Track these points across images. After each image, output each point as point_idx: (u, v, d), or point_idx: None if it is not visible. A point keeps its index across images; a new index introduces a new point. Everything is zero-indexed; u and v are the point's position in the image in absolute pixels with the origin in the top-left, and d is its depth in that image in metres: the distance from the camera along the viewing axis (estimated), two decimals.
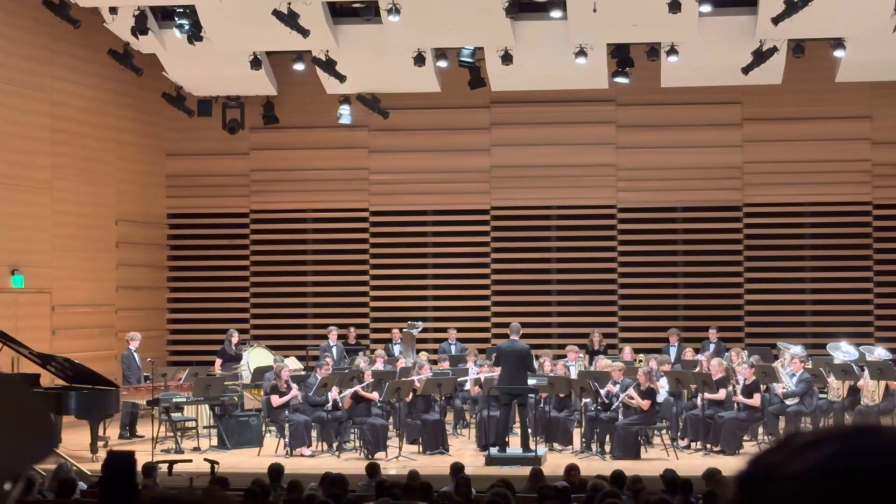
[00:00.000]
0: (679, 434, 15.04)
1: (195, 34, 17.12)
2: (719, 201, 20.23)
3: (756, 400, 14.53)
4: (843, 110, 19.84)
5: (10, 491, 1.45)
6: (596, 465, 12.89)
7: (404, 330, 18.50)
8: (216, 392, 15.38)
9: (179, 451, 14.62)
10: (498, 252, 20.63)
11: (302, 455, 14.47)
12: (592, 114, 20.29)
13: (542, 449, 14.15)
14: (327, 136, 20.58)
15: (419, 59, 17.96)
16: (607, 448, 14.39)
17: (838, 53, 17.81)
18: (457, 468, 10.52)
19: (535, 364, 15.70)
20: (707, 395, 14.61)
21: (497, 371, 14.77)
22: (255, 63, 18.50)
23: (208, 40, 17.34)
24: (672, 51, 17.55)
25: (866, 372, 15.49)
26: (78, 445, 14.36)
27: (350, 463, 13.65)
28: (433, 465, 13.02)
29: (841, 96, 19.60)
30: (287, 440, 14.65)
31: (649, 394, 14.35)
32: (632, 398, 14.32)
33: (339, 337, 18.60)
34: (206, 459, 11.46)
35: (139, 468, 9.32)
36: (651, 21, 16.44)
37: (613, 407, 14.49)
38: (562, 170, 20.33)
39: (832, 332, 18.52)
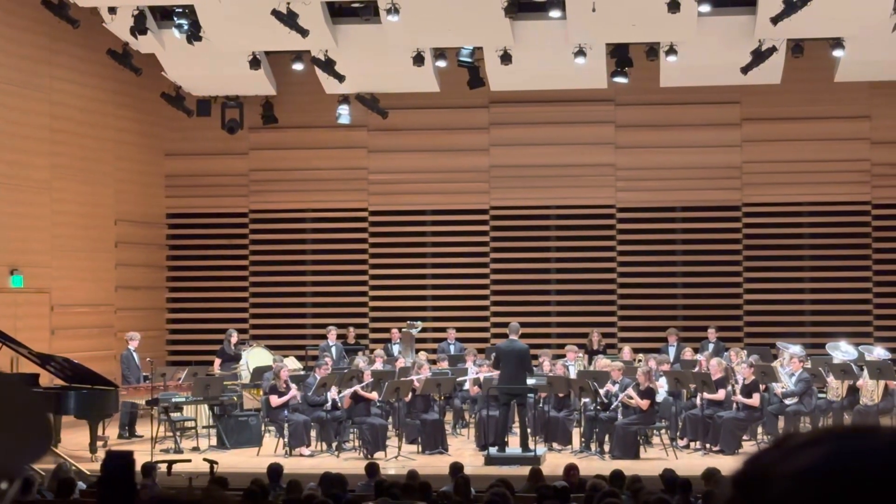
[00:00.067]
0: (678, 434, 15.04)
1: (194, 34, 17.11)
2: (718, 201, 20.23)
3: (755, 400, 14.54)
4: (842, 110, 19.85)
5: (6, 491, 1.45)
6: (595, 465, 12.89)
7: (403, 330, 18.50)
8: (215, 392, 15.38)
9: (178, 450, 14.62)
10: (497, 252, 20.63)
11: (301, 455, 14.47)
12: (591, 114, 20.29)
13: (541, 449, 14.15)
14: (326, 135, 20.58)
15: (418, 59, 17.96)
16: (606, 448, 14.40)
17: (837, 53, 17.82)
18: (456, 468, 10.53)
19: (534, 364, 15.71)
20: (706, 395, 14.62)
21: (496, 371, 14.78)
22: (254, 63, 18.50)
23: (207, 40, 17.35)
24: (671, 51, 17.55)
25: (865, 371, 15.49)
26: (77, 445, 14.36)
27: (349, 463, 13.65)
28: (432, 465, 13.02)
29: (840, 96, 19.61)
30: (286, 440, 14.65)
31: (648, 393, 14.36)
32: (631, 398, 14.33)
33: (339, 337, 18.60)
34: (205, 459, 11.47)
35: (138, 468, 9.33)
36: (650, 21, 16.44)
37: (612, 407, 14.49)
38: (561, 169, 20.33)
39: (831, 332, 18.52)
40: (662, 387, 15.23)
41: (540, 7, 16.83)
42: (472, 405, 16.20)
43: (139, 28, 17.16)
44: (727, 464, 12.03)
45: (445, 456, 14.02)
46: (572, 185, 20.36)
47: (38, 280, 17.56)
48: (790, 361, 15.64)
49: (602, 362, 15.97)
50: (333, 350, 17.82)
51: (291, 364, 17.24)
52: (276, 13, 16.10)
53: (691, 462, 13.38)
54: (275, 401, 14.75)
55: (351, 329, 19.58)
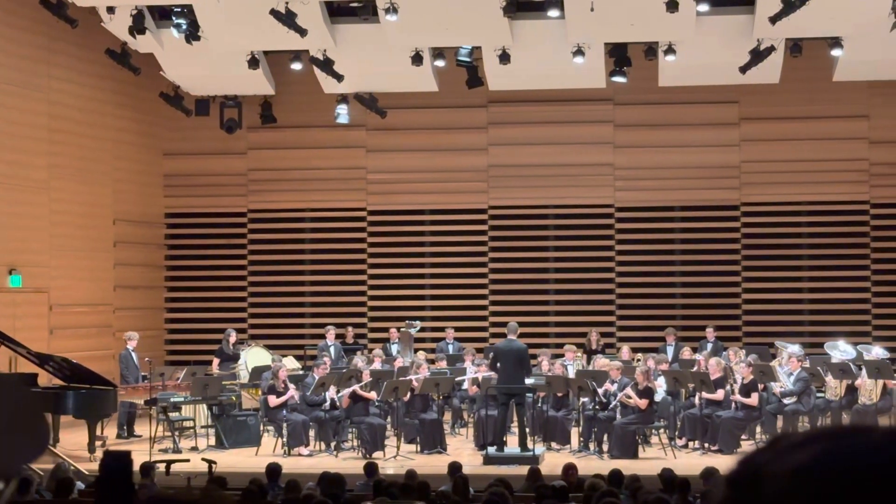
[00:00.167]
0: (677, 433, 15.04)
1: (193, 34, 17.11)
2: (717, 200, 20.24)
3: (754, 399, 14.54)
4: (841, 109, 19.85)
5: (2, 491, 1.45)
6: (594, 465, 12.90)
7: (402, 329, 18.50)
8: (214, 392, 15.39)
9: (177, 450, 14.62)
10: (496, 251, 20.63)
11: (300, 454, 14.47)
12: (590, 113, 20.30)
13: (539, 448, 14.15)
14: (325, 135, 20.57)
15: (417, 59, 17.96)
16: (605, 447, 14.40)
17: (836, 53, 17.82)
18: (454, 467, 10.53)
19: (532, 363, 15.71)
20: (705, 395, 14.62)
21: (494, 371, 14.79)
22: (253, 62, 18.50)
23: (206, 40, 17.35)
24: (670, 50, 17.56)
25: (864, 371, 15.50)
26: (75, 445, 14.37)
27: (348, 462, 13.66)
28: (431, 465, 13.02)
29: (838, 95, 19.61)
30: (285, 440, 14.65)
31: (647, 393, 14.36)
32: (629, 397, 14.33)
33: (337, 336, 18.61)
34: (203, 459, 11.46)
35: (136, 468, 9.33)
36: (648, 20, 16.44)
37: (611, 406, 14.49)
38: (559, 169, 20.33)
39: (830, 332, 18.52)
40: (661, 386, 15.23)
41: (538, 6, 16.84)
42: (471, 405, 16.20)
43: (138, 28, 17.16)
44: (726, 463, 11.97)
45: (444, 455, 14.03)
46: (571, 184, 20.37)
47: (36, 280, 17.56)
48: (789, 361, 15.64)
49: (601, 362, 15.97)
50: (332, 350, 17.82)
51: (290, 364, 17.24)
52: (274, 13, 16.10)
53: (690, 461, 13.39)
54: (273, 400, 14.75)
55: (349, 329, 19.58)
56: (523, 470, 11.13)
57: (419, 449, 14.68)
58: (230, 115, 20.37)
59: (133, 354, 16.42)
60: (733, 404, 14.65)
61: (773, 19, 15.86)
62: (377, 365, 16.31)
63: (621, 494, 8.74)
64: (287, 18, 16.18)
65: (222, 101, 20.34)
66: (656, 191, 20.23)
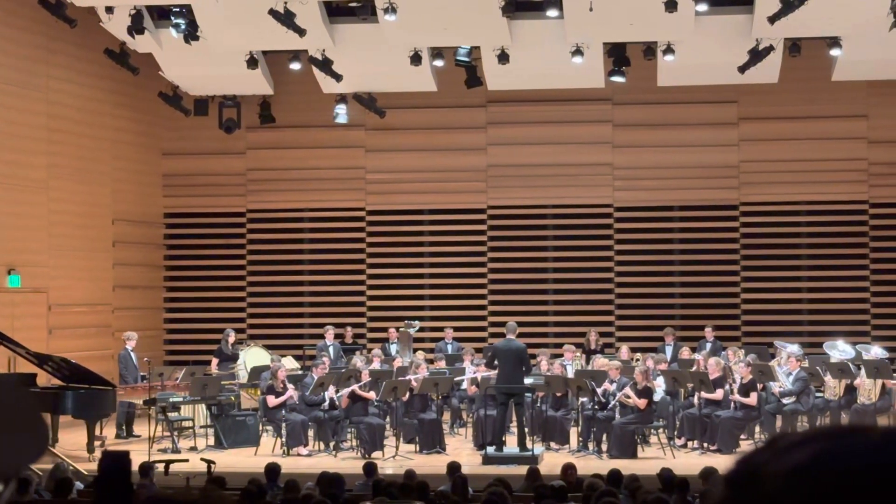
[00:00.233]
0: (676, 433, 15.04)
1: (191, 33, 17.10)
2: (716, 200, 20.24)
3: (753, 399, 14.54)
4: (840, 109, 19.86)
5: (2, 492, 1.45)
6: (593, 464, 12.89)
7: (401, 329, 18.50)
8: (213, 391, 15.39)
9: (176, 450, 14.62)
10: (494, 251, 20.64)
11: (299, 454, 14.47)
12: (589, 113, 20.30)
13: (538, 448, 14.15)
14: (324, 135, 20.57)
15: (415, 59, 17.96)
16: (604, 447, 14.40)
17: (835, 52, 17.82)
18: (453, 467, 10.53)
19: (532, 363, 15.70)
20: (704, 394, 14.63)
21: (492, 371, 14.78)
22: (252, 62, 18.50)
23: (205, 40, 17.34)
24: (668, 50, 17.56)
25: (863, 371, 15.50)
26: (74, 445, 14.36)
27: (347, 462, 13.65)
28: (430, 465, 13.03)
29: (837, 95, 19.61)
30: (284, 440, 14.65)
31: (646, 393, 14.37)
32: (628, 397, 14.33)
33: (336, 336, 18.61)
34: (202, 459, 11.46)
35: (135, 468, 9.33)
36: (647, 20, 16.44)
37: (610, 406, 14.49)
38: (558, 169, 20.34)
39: (829, 331, 18.53)
40: (660, 386, 15.24)
41: (537, 6, 16.83)
42: (470, 405, 16.20)
43: (136, 27, 17.16)
44: (725, 463, 11.98)
45: (443, 455, 14.02)
46: (570, 184, 20.37)
47: (35, 280, 17.56)
48: (788, 360, 15.65)
49: (600, 361, 15.97)
50: (331, 350, 17.82)
51: (289, 364, 17.24)
52: (273, 13, 16.10)
53: (689, 461, 13.38)
54: (272, 400, 14.75)
55: (348, 328, 19.59)
56: (522, 470, 11.13)
57: (418, 449, 14.69)
58: (229, 115, 20.37)
59: (132, 354, 16.42)
60: (732, 404, 14.65)
61: (772, 19, 15.86)
62: (376, 365, 16.31)
63: (620, 494, 8.74)
64: (286, 18, 16.19)
65: (221, 100, 20.33)
66: (655, 190, 20.24)
